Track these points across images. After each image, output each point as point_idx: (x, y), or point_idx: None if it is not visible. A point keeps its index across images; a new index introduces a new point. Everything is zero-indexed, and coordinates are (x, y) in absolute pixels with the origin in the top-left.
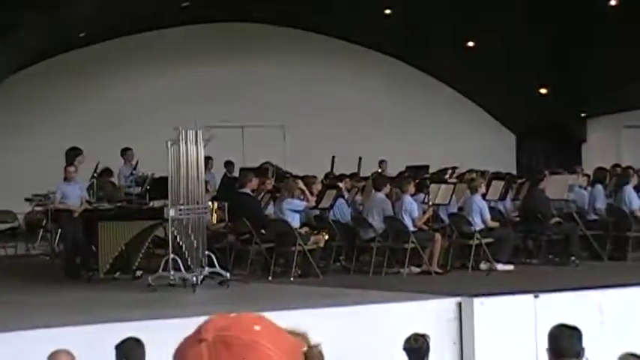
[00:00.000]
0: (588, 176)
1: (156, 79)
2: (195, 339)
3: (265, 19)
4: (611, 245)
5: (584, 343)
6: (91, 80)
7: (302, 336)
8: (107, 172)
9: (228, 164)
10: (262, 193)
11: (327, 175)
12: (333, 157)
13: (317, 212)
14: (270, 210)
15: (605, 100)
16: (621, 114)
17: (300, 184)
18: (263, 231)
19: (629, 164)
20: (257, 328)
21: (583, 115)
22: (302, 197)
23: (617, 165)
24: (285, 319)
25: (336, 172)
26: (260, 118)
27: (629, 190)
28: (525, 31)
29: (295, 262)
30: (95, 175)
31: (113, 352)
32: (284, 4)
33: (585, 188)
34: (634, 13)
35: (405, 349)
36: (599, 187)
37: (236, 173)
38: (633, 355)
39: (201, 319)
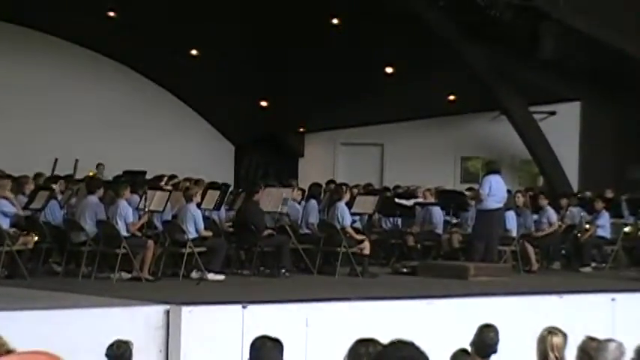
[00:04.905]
0: (303, 190)
1: None
2: None
3: None
4: (321, 260)
5: (288, 356)
6: None
7: None
8: None
9: None
10: None
11: (37, 175)
12: (56, 160)
13: (28, 213)
14: None
15: (323, 117)
16: (337, 131)
17: (6, 192)
18: None
19: (344, 181)
20: None
21: (301, 130)
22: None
23: (331, 181)
24: None
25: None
26: None
27: (341, 206)
28: (248, 44)
29: (2, 262)
30: None
31: None
32: None
33: (300, 202)
34: (354, 34)
35: (107, 355)
36: (313, 202)
37: None
38: None
39: None
